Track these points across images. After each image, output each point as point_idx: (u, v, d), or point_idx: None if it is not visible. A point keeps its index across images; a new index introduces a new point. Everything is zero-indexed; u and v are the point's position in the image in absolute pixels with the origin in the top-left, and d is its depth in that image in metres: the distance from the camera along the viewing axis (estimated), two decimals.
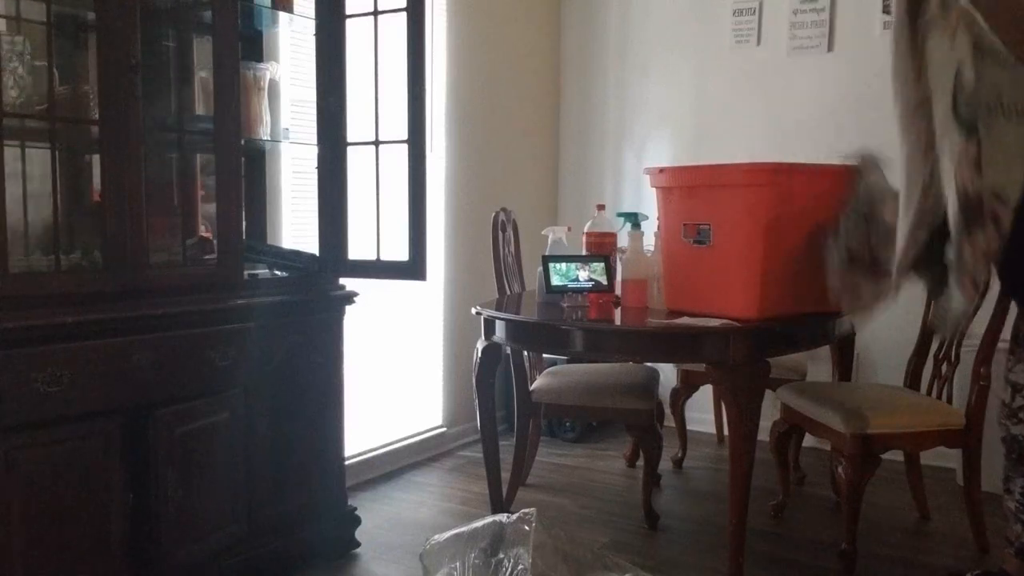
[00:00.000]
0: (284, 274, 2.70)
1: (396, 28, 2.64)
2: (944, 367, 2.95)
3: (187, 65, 2.63)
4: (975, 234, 1.97)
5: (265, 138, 2.76)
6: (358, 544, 2.90)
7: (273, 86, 2.78)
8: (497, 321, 2.82)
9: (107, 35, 2.13)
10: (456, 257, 3.97)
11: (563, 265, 2.74)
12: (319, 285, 2.75)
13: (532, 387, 3.24)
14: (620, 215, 3.07)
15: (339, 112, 2.74)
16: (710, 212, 2.58)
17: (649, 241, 2.94)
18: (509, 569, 1.90)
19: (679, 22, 4.32)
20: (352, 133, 2.76)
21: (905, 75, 2.07)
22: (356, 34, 2.74)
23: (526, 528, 1.95)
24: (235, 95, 2.44)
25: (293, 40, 3.04)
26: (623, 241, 2.95)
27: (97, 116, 2.19)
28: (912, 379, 3.09)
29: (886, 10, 3.82)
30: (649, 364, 3.42)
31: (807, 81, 4.05)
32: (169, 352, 2.24)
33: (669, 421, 3.81)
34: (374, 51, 2.70)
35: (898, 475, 3.24)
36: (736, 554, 2.55)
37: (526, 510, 2.03)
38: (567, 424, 4.19)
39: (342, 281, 2.84)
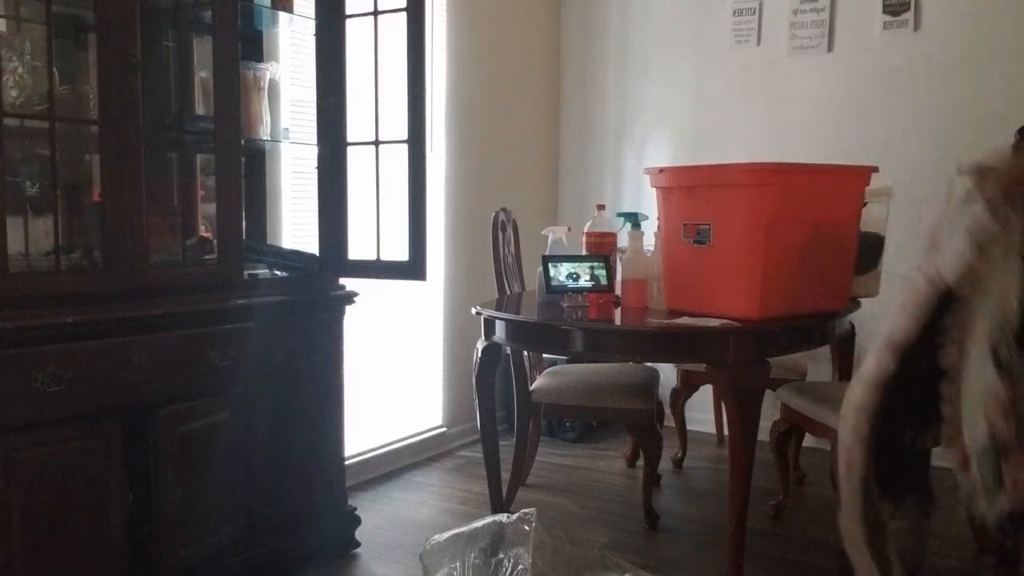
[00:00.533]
0: (284, 274, 2.70)
1: (396, 28, 2.64)
2: None
3: (187, 65, 2.63)
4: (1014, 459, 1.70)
5: (265, 138, 2.76)
6: (358, 544, 2.90)
7: (273, 86, 2.78)
8: (497, 321, 2.82)
9: (107, 35, 2.13)
10: (456, 257, 3.97)
11: (563, 265, 2.74)
12: (319, 285, 2.75)
13: (532, 387, 3.24)
14: (620, 215, 3.07)
15: (339, 112, 2.74)
16: (710, 212, 2.58)
17: (649, 241, 2.94)
18: (509, 569, 1.90)
19: (679, 22, 4.32)
20: (352, 133, 2.76)
21: None
22: (356, 34, 2.74)
23: (526, 528, 1.95)
24: (235, 95, 2.44)
25: (293, 40, 3.04)
26: (623, 241, 2.95)
27: (97, 116, 2.19)
28: None
29: (886, 10, 3.83)
30: (649, 364, 3.42)
31: (807, 81, 4.05)
32: (169, 352, 2.24)
33: (669, 421, 3.81)
34: (374, 51, 2.70)
35: None
36: (736, 554, 2.55)
37: (526, 510, 2.03)
38: (567, 424, 4.19)
39: (342, 281, 2.84)
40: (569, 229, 3.17)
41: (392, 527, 3.09)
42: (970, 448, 1.65)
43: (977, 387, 1.63)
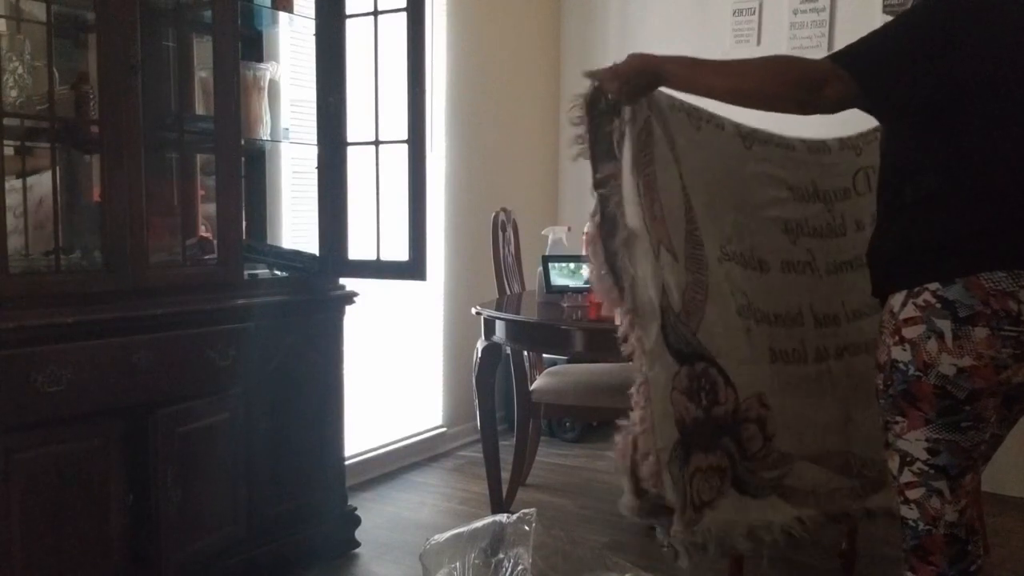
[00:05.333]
0: (284, 274, 2.70)
1: (396, 28, 2.64)
2: None
3: (187, 65, 2.63)
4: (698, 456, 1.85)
5: (265, 138, 2.75)
6: (358, 544, 2.89)
7: (273, 86, 2.78)
8: (497, 321, 2.82)
9: (107, 35, 2.13)
10: (456, 257, 3.97)
11: (563, 265, 2.74)
12: (319, 285, 2.75)
13: (532, 387, 3.23)
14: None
15: (339, 112, 2.74)
16: None
17: None
18: (509, 569, 1.90)
19: (679, 22, 4.31)
20: (352, 133, 2.76)
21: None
22: (356, 34, 2.74)
23: (526, 528, 1.95)
24: (235, 95, 2.44)
25: (293, 40, 3.04)
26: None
27: (97, 116, 2.19)
28: None
29: (886, 10, 3.83)
30: None
31: None
32: (169, 352, 2.24)
33: None
34: (374, 51, 2.70)
35: None
36: (736, 554, 2.55)
37: (526, 510, 2.02)
38: (567, 424, 4.18)
39: (342, 281, 2.84)
40: (569, 229, 3.17)
41: (392, 527, 3.08)
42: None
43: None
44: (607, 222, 1.84)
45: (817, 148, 2.25)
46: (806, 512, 2.04)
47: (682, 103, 1.97)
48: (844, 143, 2.28)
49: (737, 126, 2.11)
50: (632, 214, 1.79)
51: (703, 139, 2.03)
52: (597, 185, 1.85)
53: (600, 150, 1.84)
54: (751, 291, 2.03)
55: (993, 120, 1.61)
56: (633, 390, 1.80)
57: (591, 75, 1.84)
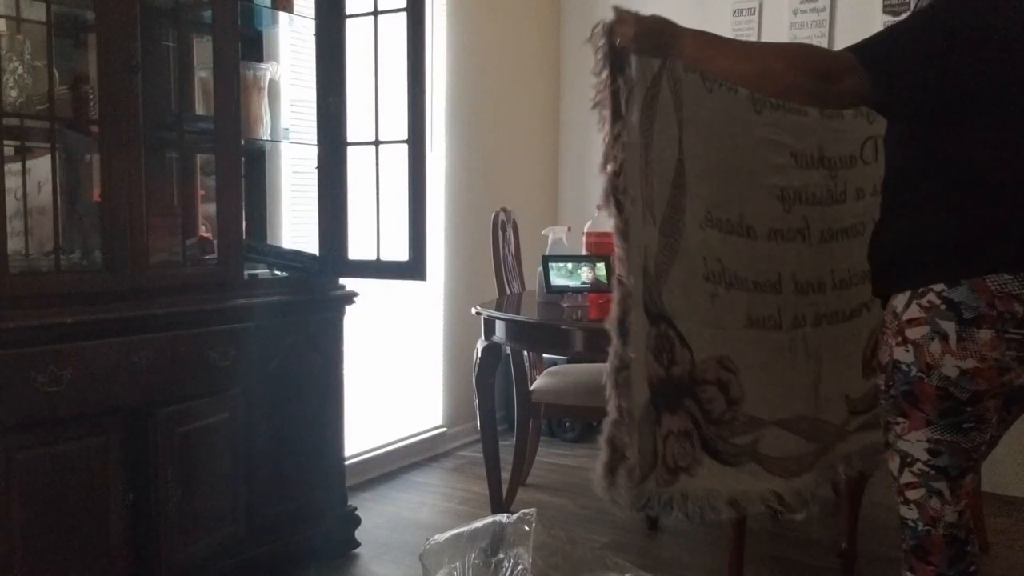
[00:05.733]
0: (284, 274, 2.70)
1: (396, 28, 2.64)
2: None
3: (187, 65, 2.63)
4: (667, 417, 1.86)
5: (265, 138, 2.75)
6: (358, 544, 2.89)
7: (273, 86, 2.78)
8: (497, 321, 2.82)
9: (107, 35, 2.13)
10: (456, 257, 3.97)
11: (563, 265, 2.74)
12: (319, 285, 2.75)
13: (532, 387, 3.23)
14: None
15: (339, 112, 2.74)
16: None
17: None
18: (509, 569, 1.90)
19: (679, 22, 4.31)
20: (352, 133, 2.76)
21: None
22: (356, 34, 2.74)
23: (526, 528, 1.95)
24: (235, 95, 2.44)
25: (293, 40, 3.04)
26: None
27: (97, 116, 2.19)
28: None
29: (886, 10, 3.83)
30: None
31: None
32: (169, 352, 2.24)
33: None
34: (374, 51, 2.70)
35: None
36: (735, 554, 2.55)
37: (526, 510, 2.02)
38: (567, 424, 4.18)
39: (342, 281, 2.84)
40: (569, 229, 3.17)
41: (392, 527, 3.08)
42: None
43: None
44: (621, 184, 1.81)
45: (830, 114, 2.25)
46: (780, 484, 2.05)
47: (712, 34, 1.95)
48: (859, 110, 2.28)
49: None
50: (632, 175, 1.78)
51: (713, 102, 2.03)
52: (614, 139, 1.81)
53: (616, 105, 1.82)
54: (729, 257, 2.04)
55: (999, 123, 1.60)
56: (624, 347, 1.78)
57: (616, 9, 1.83)
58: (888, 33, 1.69)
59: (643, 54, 1.82)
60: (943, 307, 1.58)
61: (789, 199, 2.17)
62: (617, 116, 1.78)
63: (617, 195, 1.75)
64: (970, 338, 1.57)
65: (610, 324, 1.76)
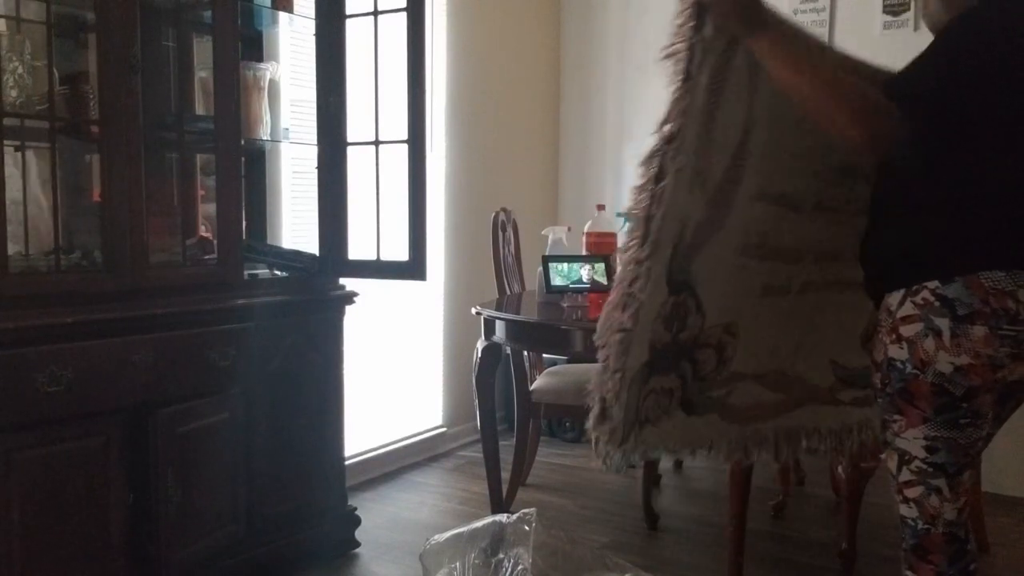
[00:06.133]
0: (284, 274, 2.70)
1: (396, 28, 2.64)
2: None
3: (187, 65, 2.63)
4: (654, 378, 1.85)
5: (265, 138, 2.75)
6: (358, 544, 2.89)
7: (273, 86, 2.78)
8: (497, 321, 2.82)
9: (107, 35, 2.13)
10: (456, 257, 3.97)
11: (563, 265, 2.74)
12: (319, 285, 2.75)
13: (532, 387, 3.24)
14: (620, 215, 3.07)
15: (339, 112, 2.74)
16: None
17: None
18: (509, 569, 1.90)
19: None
20: (352, 133, 2.76)
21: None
22: (356, 34, 2.74)
23: (526, 528, 1.95)
24: (235, 95, 2.44)
25: (293, 40, 3.04)
26: (623, 241, 2.95)
27: (97, 116, 2.19)
28: None
29: (886, 10, 3.83)
30: None
31: None
32: (169, 352, 2.24)
33: None
34: (374, 51, 2.70)
35: None
36: (735, 554, 2.55)
37: (526, 510, 2.03)
38: (567, 424, 4.18)
39: (342, 281, 2.84)
40: (569, 229, 3.17)
41: (392, 527, 3.08)
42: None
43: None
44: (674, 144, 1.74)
45: None
46: (735, 431, 2.06)
47: (793, 30, 1.85)
48: None
49: (842, 60, 1.98)
50: (688, 142, 1.74)
51: None
52: (677, 100, 1.76)
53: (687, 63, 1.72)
54: (773, 232, 2.00)
55: (996, 135, 1.63)
56: (621, 314, 1.76)
57: None
58: (910, 67, 1.71)
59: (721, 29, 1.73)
60: (937, 304, 1.59)
61: (850, 176, 2.14)
62: (688, 76, 1.73)
63: (664, 161, 1.70)
64: (964, 335, 1.57)
65: (616, 292, 1.76)
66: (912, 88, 1.66)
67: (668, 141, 1.68)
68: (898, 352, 1.65)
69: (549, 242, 3.07)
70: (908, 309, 1.63)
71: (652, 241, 1.74)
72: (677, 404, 1.96)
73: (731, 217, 1.91)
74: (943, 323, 1.58)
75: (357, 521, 2.92)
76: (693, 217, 1.82)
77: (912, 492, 1.69)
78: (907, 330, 1.63)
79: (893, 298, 1.67)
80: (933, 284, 1.60)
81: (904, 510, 1.71)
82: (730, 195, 1.88)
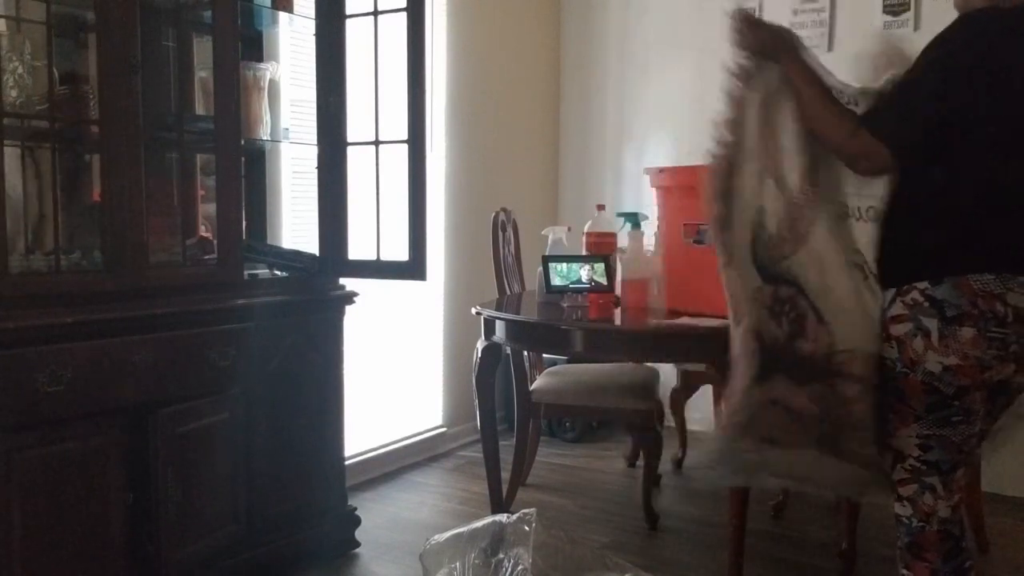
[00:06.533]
0: (284, 274, 2.70)
1: (396, 28, 2.64)
2: None
3: (187, 65, 2.63)
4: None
5: (265, 138, 2.75)
6: (358, 544, 2.89)
7: (273, 86, 2.78)
8: (497, 321, 2.82)
9: (107, 35, 2.13)
10: (456, 257, 3.97)
11: (563, 265, 2.74)
12: (319, 285, 2.75)
13: (532, 387, 3.24)
14: (620, 215, 3.07)
15: (339, 112, 2.74)
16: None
17: (649, 241, 2.94)
18: (509, 569, 1.90)
19: (679, 22, 4.31)
20: (352, 133, 2.76)
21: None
22: (356, 34, 2.74)
23: (526, 528, 1.95)
24: (235, 95, 2.44)
25: (293, 40, 3.04)
26: (623, 241, 2.95)
27: (97, 116, 2.19)
28: None
29: (886, 10, 3.83)
30: (649, 364, 3.42)
31: None
32: (169, 352, 2.24)
33: (669, 421, 3.80)
34: (374, 51, 2.70)
35: None
36: (735, 554, 2.55)
37: (526, 510, 2.02)
38: (567, 424, 4.19)
39: (342, 281, 2.84)
40: (569, 229, 3.17)
41: (392, 527, 3.08)
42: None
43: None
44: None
45: None
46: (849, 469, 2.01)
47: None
48: None
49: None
50: (751, 135, 1.83)
51: None
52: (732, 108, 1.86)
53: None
54: (863, 246, 1.94)
55: (989, 146, 1.65)
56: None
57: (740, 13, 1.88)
58: (894, 99, 1.75)
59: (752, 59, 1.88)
60: (926, 304, 1.61)
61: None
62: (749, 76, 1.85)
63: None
64: (952, 336, 1.59)
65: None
66: (896, 128, 1.69)
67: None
68: (888, 351, 1.67)
69: (549, 242, 3.07)
70: (898, 308, 1.65)
71: (729, 224, 1.81)
72: (814, 441, 1.83)
73: (817, 224, 1.87)
74: (932, 324, 1.60)
75: (357, 521, 2.92)
76: (770, 208, 1.84)
77: (906, 490, 1.70)
78: (897, 329, 1.65)
79: (885, 298, 1.69)
80: (923, 285, 1.62)
81: (899, 508, 1.72)
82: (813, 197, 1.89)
